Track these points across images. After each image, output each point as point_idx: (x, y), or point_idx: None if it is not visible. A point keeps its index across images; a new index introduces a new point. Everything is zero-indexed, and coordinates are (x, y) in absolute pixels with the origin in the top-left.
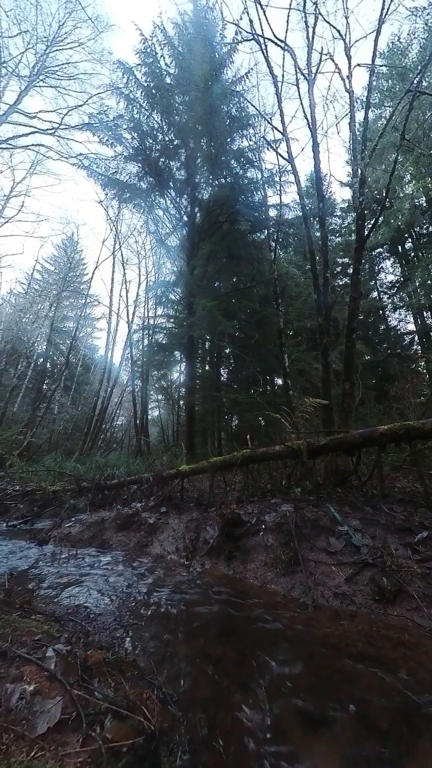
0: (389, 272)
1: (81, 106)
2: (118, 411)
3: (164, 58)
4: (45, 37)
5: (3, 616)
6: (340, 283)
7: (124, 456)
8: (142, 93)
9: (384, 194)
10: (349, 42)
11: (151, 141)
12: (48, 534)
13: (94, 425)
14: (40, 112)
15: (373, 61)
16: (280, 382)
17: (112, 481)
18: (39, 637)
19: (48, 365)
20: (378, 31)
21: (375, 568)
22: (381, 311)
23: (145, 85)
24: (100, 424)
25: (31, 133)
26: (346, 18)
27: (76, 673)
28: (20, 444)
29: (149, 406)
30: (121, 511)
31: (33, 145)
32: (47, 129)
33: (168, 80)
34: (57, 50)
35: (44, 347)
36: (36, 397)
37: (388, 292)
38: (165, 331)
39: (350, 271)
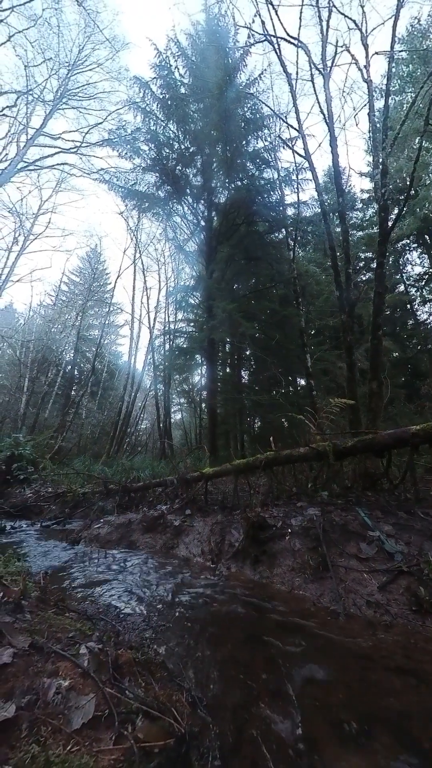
0: (416, 264)
1: (101, 123)
2: (142, 415)
3: (178, 69)
4: (66, 62)
5: (39, 612)
6: (364, 278)
7: (149, 459)
8: (158, 105)
9: (408, 183)
10: (366, 31)
11: (167, 150)
12: (79, 535)
13: (120, 429)
14: (63, 132)
15: (392, 47)
16: (302, 382)
17: (137, 483)
18: (72, 634)
19: (75, 372)
20: (396, 17)
21: (411, 577)
22: (409, 305)
23: (161, 97)
24: (125, 428)
25: (56, 153)
26: (362, 7)
27: (108, 671)
28: (52, 448)
29: (172, 410)
30: (147, 513)
31: (58, 164)
32: (70, 148)
33: (183, 90)
34: (78, 73)
35: (72, 355)
36: (65, 402)
37: (416, 284)
38: (185, 335)
39: (374, 265)
